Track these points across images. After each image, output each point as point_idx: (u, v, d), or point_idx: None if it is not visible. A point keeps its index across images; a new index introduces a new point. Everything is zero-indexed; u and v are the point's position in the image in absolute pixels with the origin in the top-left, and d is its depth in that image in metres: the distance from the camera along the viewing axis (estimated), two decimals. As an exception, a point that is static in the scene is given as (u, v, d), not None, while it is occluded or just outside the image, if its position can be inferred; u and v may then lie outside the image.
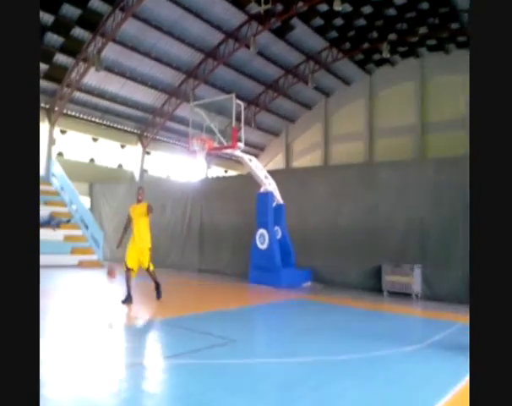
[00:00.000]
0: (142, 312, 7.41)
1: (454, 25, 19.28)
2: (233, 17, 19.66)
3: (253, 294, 10.18)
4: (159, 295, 8.06)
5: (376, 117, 25.01)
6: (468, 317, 6.36)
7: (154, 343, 5.18)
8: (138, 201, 8.06)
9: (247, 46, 20.38)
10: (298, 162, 27.68)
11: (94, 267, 14.33)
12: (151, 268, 7.86)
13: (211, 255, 14.51)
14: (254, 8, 17.48)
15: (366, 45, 22.05)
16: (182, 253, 15.34)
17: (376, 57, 23.06)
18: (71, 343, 4.99)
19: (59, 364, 4.15)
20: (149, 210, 7.79)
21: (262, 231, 11.30)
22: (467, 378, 4.16)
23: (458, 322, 7.07)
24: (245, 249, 12.18)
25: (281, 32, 20.83)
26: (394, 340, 5.67)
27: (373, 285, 10.49)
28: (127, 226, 8.10)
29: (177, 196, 15.77)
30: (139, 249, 7.72)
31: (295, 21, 20.07)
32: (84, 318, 6.50)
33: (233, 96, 10.66)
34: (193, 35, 20.32)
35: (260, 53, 21.70)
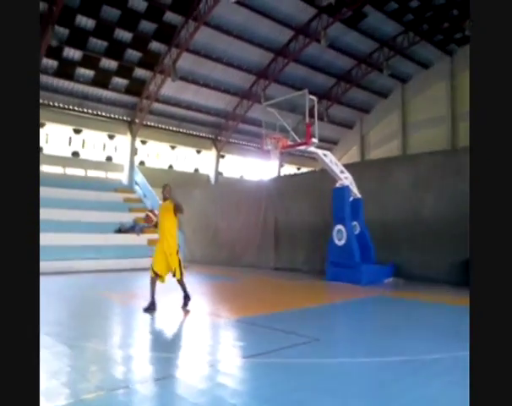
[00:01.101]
0: (222, 310, 7.60)
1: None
2: (302, 12, 19.48)
3: (332, 292, 9.98)
4: (185, 304, 7.15)
5: (459, 99, 23.26)
6: None
7: (237, 342, 5.27)
8: (165, 199, 7.18)
9: (318, 41, 20.08)
10: (374, 154, 26.69)
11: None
12: (177, 276, 6.94)
13: (287, 252, 14.49)
14: (325, 1, 17.11)
15: (446, 24, 20.63)
16: (258, 252, 15.51)
17: (458, 35, 21.47)
18: (152, 342, 5.26)
19: (155, 360, 4.38)
20: (178, 209, 6.96)
21: (339, 226, 11.04)
22: None
23: None
24: (321, 246, 11.99)
25: (353, 21, 20.22)
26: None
27: (461, 279, 9.72)
28: (149, 219, 7.37)
29: (251, 196, 15.99)
30: (166, 253, 6.90)
31: (367, 8, 19.37)
32: (167, 315, 6.82)
33: (306, 91, 10.53)
34: (262, 36, 20.50)
35: (331, 46, 21.26)
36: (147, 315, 6.66)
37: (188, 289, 7.28)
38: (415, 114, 25.50)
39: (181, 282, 7.06)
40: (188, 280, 11.62)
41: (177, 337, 5.49)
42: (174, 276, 6.92)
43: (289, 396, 3.35)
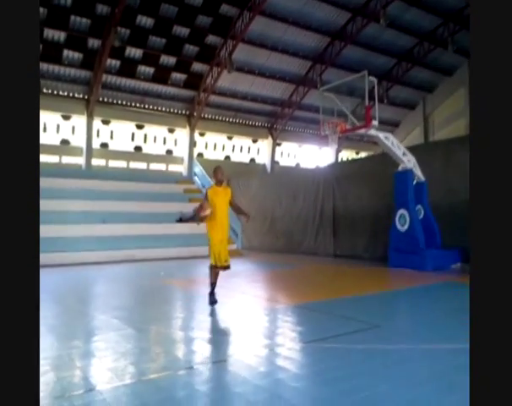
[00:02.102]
0: (281, 296, 7.61)
1: None
2: (358, -9, 18.83)
3: (394, 278, 9.64)
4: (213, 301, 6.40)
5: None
6: None
7: (296, 327, 5.26)
8: (220, 183, 6.57)
9: (377, 20, 19.30)
10: (439, 135, 25.28)
11: (234, 256, 15.28)
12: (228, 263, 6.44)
13: (346, 239, 14.21)
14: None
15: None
16: (316, 239, 15.36)
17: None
18: (214, 325, 5.38)
19: (216, 342, 4.50)
20: (233, 200, 6.66)
21: (402, 211, 10.61)
22: None
23: None
24: (382, 232, 11.61)
25: (414, -3, 19.20)
26: None
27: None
28: (203, 209, 6.35)
29: (309, 183, 15.82)
30: (223, 241, 6.46)
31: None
32: (227, 300, 6.96)
33: (365, 73, 10.19)
34: (318, 20, 20.09)
35: (391, 25, 20.37)
36: (207, 300, 6.84)
37: (245, 276, 7.34)
38: (484, 91, 23.80)
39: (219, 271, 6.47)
40: (247, 267, 11.90)
41: (237, 321, 5.58)
42: (226, 266, 6.42)
43: (349, 381, 3.29)
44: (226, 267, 6.44)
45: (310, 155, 27.48)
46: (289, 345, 4.39)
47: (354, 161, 19.33)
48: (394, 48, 22.73)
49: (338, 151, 27.16)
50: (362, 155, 27.20)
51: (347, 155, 28.87)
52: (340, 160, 26.94)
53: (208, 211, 6.28)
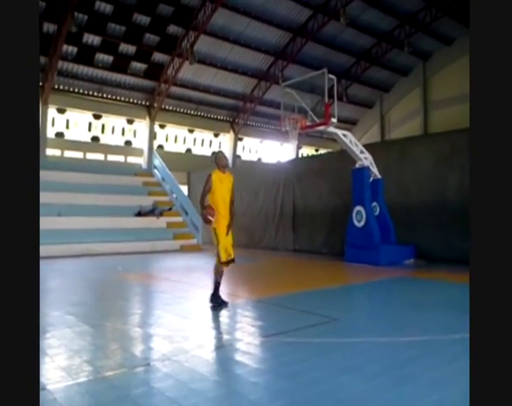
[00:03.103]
0: (241, 291, 7.64)
1: None
2: (320, -12, 19.04)
3: (350, 273, 9.91)
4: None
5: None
6: None
7: (256, 321, 5.29)
8: (224, 168, 6.02)
9: (337, 19, 19.63)
10: (395, 133, 26.18)
11: (194, 251, 15.24)
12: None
13: (305, 234, 14.46)
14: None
15: (469, -3, 19.87)
16: (276, 234, 15.53)
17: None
18: (172, 321, 5.33)
19: (174, 338, 4.45)
20: (233, 193, 6.10)
21: (358, 208, 10.91)
22: None
23: None
24: (341, 227, 11.90)
25: (373, -3, 19.67)
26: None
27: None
28: (205, 196, 5.86)
29: (269, 178, 15.94)
30: (229, 234, 5.94)
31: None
32: (186, 296, 6.89)
33: (325, 71, 10.34)
34: (280, 16, 20.16)
35: (351, 24, 20.78)
36: (165, 295, 6.75)
37: (205, 271, 7.27)
38: (437, 92, 24.82)
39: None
40: (207, 262, 11.82)
41: (196, 316, 5.55)
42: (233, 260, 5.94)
43: (309, 374, 3.35)
44: (232, 261, 5.94)
45: (271, 150, 27.66)
46: (248, 340, 4.41)
47: (314, 157, 19.63)
48: (353, 47, 23.22)
49: (299, 148, 27.49)
50: (322, 152, 27.69)
51: (308, 151, 29.28)
52: (300, 156, 27.28)
53: (214, 219, 5.67)
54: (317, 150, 29.16)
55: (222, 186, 5.88)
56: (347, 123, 26.93)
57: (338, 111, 10.55)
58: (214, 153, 6.41)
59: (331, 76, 10.45)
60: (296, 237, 14.87)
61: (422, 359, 3.68)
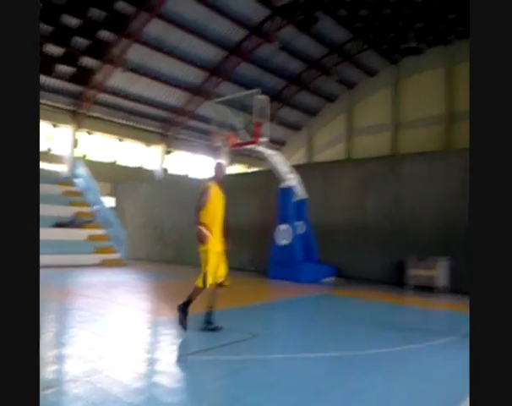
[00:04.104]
0: (163, 308, 7.51)
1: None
2: (256, 12, 19.63)
3: (273, 290, 10.16)
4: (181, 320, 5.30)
5: (401, 107, 24.49)
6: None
7: (177, 340, 5.24)
8: (220, 181, 5.51)
9: (270, 42, 20.31)
10: (321, 156, 27.46)
11: (116, 266, 14.57)
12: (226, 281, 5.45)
13: (233, 251, 14.52)
14: (278, 2, 17.39)
15: (391, 35, 21.59)
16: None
17: (402, 46, 22.55)
18: (88, 340, 5.12)
19: (88, 358, 4.26)
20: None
21: (283, 226, 11.26)
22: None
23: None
24: (267, 245, 12.17)
25: (305, 25, 20.64)
26: (420, 333, 5.55)
27: (398, 279, 10.31)
28: (200, 210, 5.30)
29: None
30: (221, 253, 5.45)
31: (319, 13, 19.85)
32: (105, 313, 6.64)
33: (257, 91, 10.66)
34: (216, 33, 20.41)
35: (283, 48, 21.59)
36: (82, 312, 6.44)
37: (127, 287, 7.03)
38: (360, 119, 26.50)
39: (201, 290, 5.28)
40: (130, 277, 11.45)
41: (114, 335, 5.36)
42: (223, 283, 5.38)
43: (225, 392, 3.40)
44: (222, 284, 5.34)
45: (202, 165, 27.61)
46: (167, 359, 4.35)
47: (244, 174, 19.95)
48: (285, 71, 24.12)
49: (230, 165, 27.73)
50: (254, 170, 28.20)
51: (239, 169, 29.64)
52: (231, 173, 27.52)
53: (208, 238, 5.18)
54: (248, 168, 29.62)
55: (218, 202, 5.42)
56: (277, 143, 27.73)
57: (269, 132, 10.89)
58: (216, 163, 5.66)
59: (263, 97, 10.78)
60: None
61: (335, 375, 3.89)
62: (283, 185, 11.48)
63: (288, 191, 11.34)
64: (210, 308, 5.40)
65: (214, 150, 12.55)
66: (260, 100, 10.68)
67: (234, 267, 13.90)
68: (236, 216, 14.49)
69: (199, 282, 5.22)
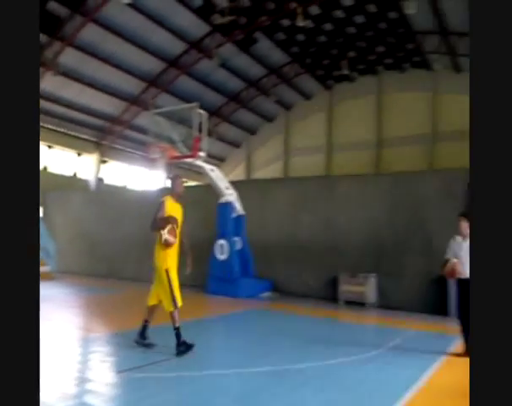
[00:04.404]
0: (95, 324, 7.14)
1: (410, 46, 20.22)
2: (196, 27, 19.68)
3: (210, 305, 10.07)
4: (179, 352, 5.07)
5: (335, 131, 25.68)
6: (420, 325, 6.54)
7: (109, 357, 4.99)
8: (179, 197, 5.48)
9: (210, 58, 20.45)
10: (259, 173, 27.89)
11: (45, 279, 13.61)
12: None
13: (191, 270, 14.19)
14: (218, 19, 17.64)
15: (326, 61, 22.68)
16: (140, 264, 14.95)
17: (336, 73, 23.76)
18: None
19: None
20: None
21: (221, 241, 11.25)
22: (421, 382, 4.31)
23: (411, 329, 7.30)
24: (205, 259, 12.05)
25: (244, 45, 21.05)
26: (350, 347, 5.77)
27: (331, 295, 10.67)
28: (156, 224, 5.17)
29: (135, 206, 15.40)
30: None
31: (258, 35, 20.36)
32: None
33: (196, 105, 10.67)
34: (154, 44, 20.14)
35: (223, 65, 21.81)
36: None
37: (56, 302, 6.61)
38: (297, 140, 27.38)
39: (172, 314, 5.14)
40: (59, 291, 10.76)
41: (41, 353, 4.98)
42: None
43: (159, 410, 3.29)
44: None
45: (139, 177, 26.85)
46: (98, 377, 4.14)
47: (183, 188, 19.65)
48: (224, 88, 24.35)
49: (168, 178, 27.25)
50: (192, 184, 27.95)
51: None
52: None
53: (172, 239, 5.05)
54: (186, 182, 29.30)
55: (177, 217, 5.30)
56: (216, 159, 27.78)
57: (207, 146, 10.90)
58: (171, 177, 5.80)
59: (201, 111, 10.81)
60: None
61: (267, 390, 3.93)
62: (222, 200, 11.50)
63: (227, 206, 11.37)
64: (146, 322, 5.29)
65: (151, 162, 12.30)
66: (199, 114, 10.70)
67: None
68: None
69: (170, 307, 5.06)
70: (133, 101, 22.68)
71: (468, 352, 5.56)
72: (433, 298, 9.35)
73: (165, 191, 17.41)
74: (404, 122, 22.29)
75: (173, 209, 5.27)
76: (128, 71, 21.07)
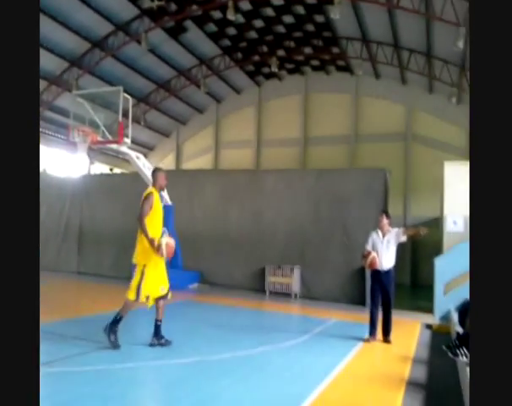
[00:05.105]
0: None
1: (335, 50, 21.04)
2: (124, 9, 18.76)
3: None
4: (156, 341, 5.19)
5: (264, 127, 26.05)
6: (341, 314, 6.86)
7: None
8: (161, 188, 5.52)
9: (139, 42, 19.66)
10: (189, 164, 27.48)
11: None
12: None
13: (92, 256, 13.52)
14: (147, 3, 17.01)
15: (256, 57, 22.86)
16: (58, 254, 14.05)
17: (265, 70, 24.04)
18: None
19: None
20: None
21: (148, 232, 10.91)
22: (341, 367, 4.52)
23: (332, 319, 7.67)
24: (130, 250, 11.61)
25: (174, 32, 20.51)
26: (274, 336, 5.91)
27: (258, 286, 10.86)
28: (144, 217, 5.08)
29: (54, 192, 14.42)
30: (160, 266, 5.28)
31: (188, 23, 19.94)
32: None
33: (120, 89, 10.24)
34: (78, 23, 18.89)
35: (152, 51, 21.07)
36: None
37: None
38: (227, 133, 27.37)
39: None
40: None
41: None
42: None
43: (74, 405, 3.11)
44: (164, 297, 5.15)
45: (59, 162, 25.11)
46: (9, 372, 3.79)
47: (107, 176, 18.77)
48: (153, 75, 23.56)
49: (91, 163, 25.81)
50: (118, 171, 26.75)
51: (102, 169, 27.78)
52: (92, 173, 25.65)
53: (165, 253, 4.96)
54: (111, 170, 27.95)
55: (160, 210, 5.18)
56: (145, 147, 26.87)
57: (136, 134, 10.54)
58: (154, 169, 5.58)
59: (126, 96, 10.42)
60: (81, 258, 13.72)
61: (191, 381, 3.90)
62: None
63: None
64: (120, 317, 5.00)
65: (72, 146, 11.58)
66: (125, 99, 10.27)
67: (94, 273, 13.00)
68: (96, 219, 13.66)
69: (131, 295, 4.90)
70: (54, 80, 21.15)
71: (379, 337, 5.94)
72: (352, 289, 9.89)
73: (88, 178, 16.53)
74: (328, 122, 23.27)
75: (158, 202, 5.21)
76: (49, 49, 19.57)
